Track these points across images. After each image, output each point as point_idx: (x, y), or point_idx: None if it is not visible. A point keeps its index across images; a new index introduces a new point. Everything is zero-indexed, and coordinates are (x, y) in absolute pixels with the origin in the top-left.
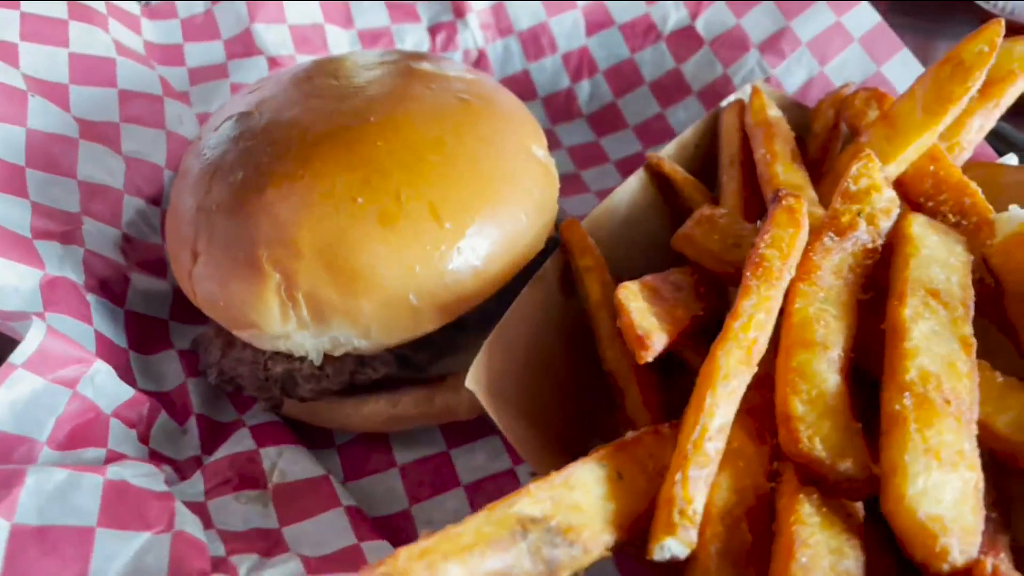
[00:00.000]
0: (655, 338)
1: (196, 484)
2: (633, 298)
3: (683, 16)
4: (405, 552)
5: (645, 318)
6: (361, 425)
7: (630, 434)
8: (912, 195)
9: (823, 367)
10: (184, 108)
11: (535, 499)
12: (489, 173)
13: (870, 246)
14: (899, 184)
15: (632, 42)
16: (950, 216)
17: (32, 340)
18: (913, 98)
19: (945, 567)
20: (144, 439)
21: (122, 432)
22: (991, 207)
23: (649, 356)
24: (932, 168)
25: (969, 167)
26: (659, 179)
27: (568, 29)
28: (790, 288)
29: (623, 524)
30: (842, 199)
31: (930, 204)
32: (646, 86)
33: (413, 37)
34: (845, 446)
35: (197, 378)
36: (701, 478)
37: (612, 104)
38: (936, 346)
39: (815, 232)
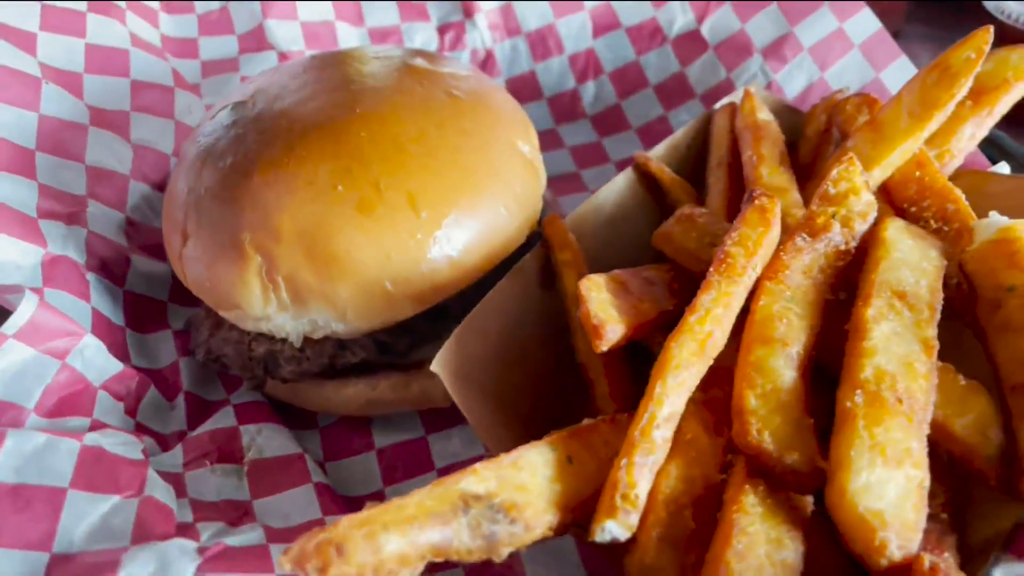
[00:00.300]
0: (610, 328)
1: (176, 456)
2: (595, 289)
3: (690, 20)
4: (347, 520)
5: (603, 309)
6: (341, 407)
7: (587, 421)
8: (897, 200)
9: (780, 363)
10: (194, 99)
11: (481, 477)
12: (470, 166)
13: (842, 248)
14: (884, 189)
15: (638, 45)
16: (932, 222)
17: (24, 312)
18: (899, 104)
19: (883, 561)
20: (131, 412)
21: (109, 404)
22: (974, 214)
23: (603, 345)
24: (918, 174)
25: (959, 174)
26: (648, 179)
27: (575, 31)
28: (757, 286)
29: (569, 506)
30: (820, 201)
31: (913, 209)
32: (650, 88)
33: (422, 36)
34: (794, 440)
35: (189, 357)
36: (646, 464)
37: (616, 106)
38: (896, 346)
39: (790, 232)
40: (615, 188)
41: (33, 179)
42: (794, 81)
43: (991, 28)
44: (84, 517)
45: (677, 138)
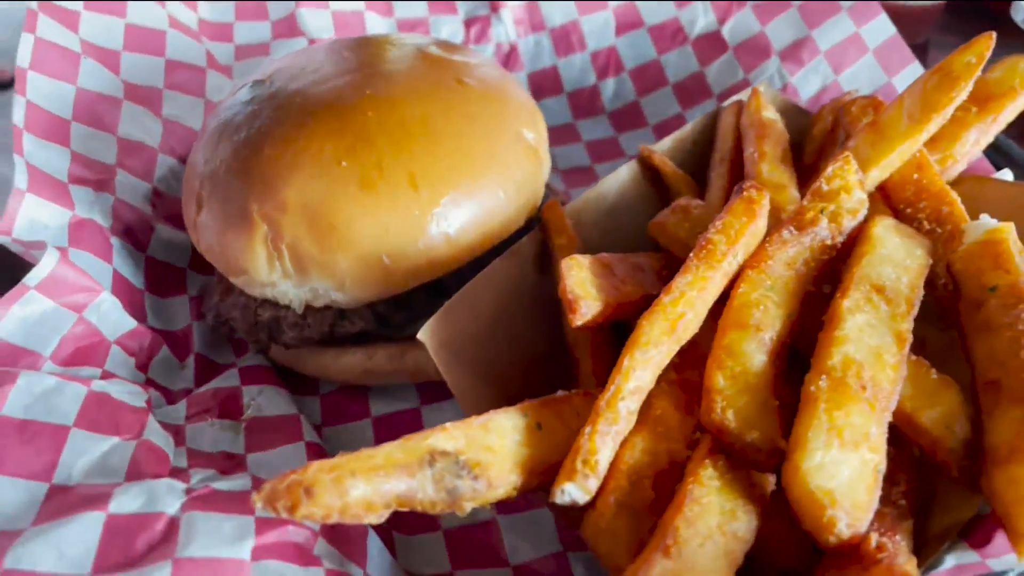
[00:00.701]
0: (583, 304)
1: (179, 410)
2: (576, 267)
3: (711, 21)
4: (316, 465)
5: (581, 286)
6: (339, 375)
7: (561, 392)
8: (894, 201)
9: (752, 347)
10: (224, 80)
11: (450, 435)
12: (471, 150)
13: (828, 242)
14: (883, 190)
15: (660, 44)
16: (926, 223)
17: (45, 266)
18: (900, 106)
19: (832, 539)
20: (143, 368)
21: (121, 358)
22: (967, 217)
23: (577, 320)
24: (916, 176)
25: (962, 179)
26: (651, 172)
27: (599, 28)
28: (740, 274)
29: (535, 470)
30: (812, 197)
31: (909, 211)
32: (669, 87)
33: (448, 28)
34: (756, 419)
35: (202, 321)
36: (610, 434)
37: (635, 103)
38: (868, 337)
39: (779, 225)
40: (618, 179)
41: (67, 147)
42: (809, 84)
43: (993, 34)
44: (83, 454)
45: (684, 133)
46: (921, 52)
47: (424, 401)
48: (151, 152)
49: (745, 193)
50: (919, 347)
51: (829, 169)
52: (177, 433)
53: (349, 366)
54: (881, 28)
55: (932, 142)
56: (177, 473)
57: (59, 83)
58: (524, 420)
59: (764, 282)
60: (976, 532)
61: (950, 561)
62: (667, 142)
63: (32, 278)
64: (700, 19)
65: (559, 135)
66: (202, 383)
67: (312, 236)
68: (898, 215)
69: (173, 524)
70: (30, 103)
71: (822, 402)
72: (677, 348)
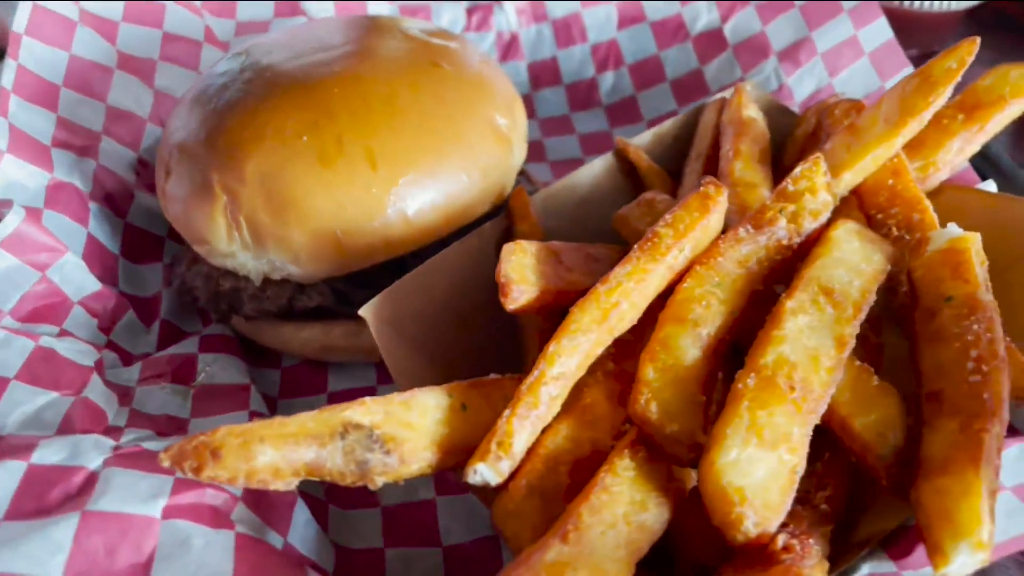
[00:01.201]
0: (516, 288)
1: (133, 372)
2: (519, 252)
3: (714, 18)
4: (225, 429)
5: (517, 270)
6: (298, 349)
7: (493, 376)
8: (867, 206)
9: (687, 342)
10: (220, 55)
11: (368, 409)
12: (436, 130)
13: (785, 242)
14: (857, 194)
15: (661, 39)
16: (895, 230)
17: (9, 224)
18: (878, 110)
19: (739, 536)
20: (106, 330)
21: (83, 318)
22: (939, 225)
23: (509, 304)
24: (891, 182)
25: (943, 188)
26: (627, 165)
27: (600, 21)
28: (689, 269)
29: (452, 450)
30: (776, 196)
31: (880, 216)
32: (667, 83)
33: (450, 14)
34: (680, 413)
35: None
36: (528, 418)
37: (632, 98)
38: (807, 339)
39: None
40: (593, 170)
41: (54, 111)
42: (804, 85)
43: (977, 40)
44: (20, 405)
45: (665, 128)
46: None
47: (381, 380)
48: (140, 122)
49: (703, 188)
50: (875, 353)
51: (797, 170)
52: (125, 394)
53: (307, 341)
54: (878, 32)
55: (915, 148)
56: (111, 431)
57: (53, 49)
58: (448, 400)
59: (712, 278)
60: (898, 542)
61: (865, 569)
62: (647, 136)
63: None
64: (703, 16)
65: (554, 126)
66: (164, 348)
67: (268, 209)
68: (870, 220)
69: (92, 478)
70: (21, 67)
71: (746, 399)
72: (610, 338)
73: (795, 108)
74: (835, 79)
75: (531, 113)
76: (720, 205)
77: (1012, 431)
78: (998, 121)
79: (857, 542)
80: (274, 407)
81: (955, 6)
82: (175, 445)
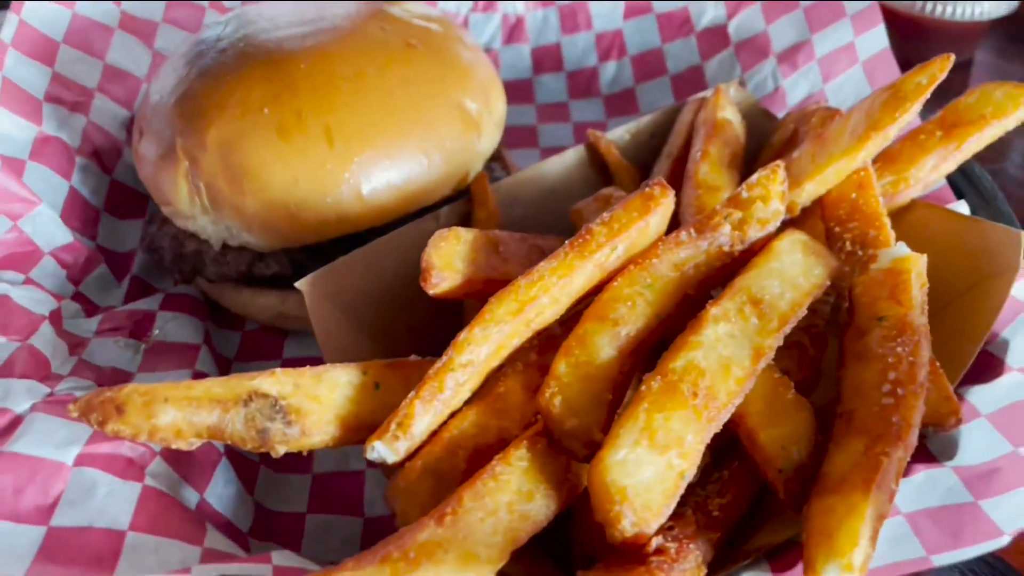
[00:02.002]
0: (436, 275)
1: (92, 323)
2: (452, 239)
3: (720, 15)
4: (132, 386)
5: (442, 256)
6: (257, 314)
7: (413, 357)
8: (826, 218)
9: (604, 340)
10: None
11: (277, 380)
12: (398, 111)
13: (726, 249)
14: (820, 204)
15: (665, 32)
16: (848, 245)
17: None
18: (847, 121)
19: (616, 534)
20: (75, 281)
21: (52, 268)
22: (892, 243)
23: (429, 289)
24: (854, 195)
25: (913, 204)
26: (599, 158)
27: (607, 10)
28: (623, 269)
29: (359, 427)
30: (728, 202)
31: (837, 229)
32: (667, 77)
33: None
34: (583, 410)
35: None
36: (432, 402)
37: (631, 89)
38: (723, 348)
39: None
40: (563, 161)
41: (50, 66)
42: (798, 89)
43: (951, 57)
44: None
45: (641, 125)
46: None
47: None
48: (136, 81)
49: (647, 189)
50: (811, 368)
51: (755, 176)
52: (79, 344)
53: (264, 307)
54: (875, 39)
55: (888, 162)
56: (51, 379)
57: (57, 6)
58: (361, 378)
59: (644, 279)
60: (783, 556)
61: None
62: (622, 130)
63: None
64: (709, 11)
65: (550, 113)
66: (129, 303)
67: (226, 177)
68: (828, 232)
69: (16, 421)
70: (22, 21)
71: (646, 402)
72: (527, 330)
73: (787, 112)
74: (828, 85)
75: (529, 98)
76: (663, 207)
77: (928, 457)
78: (977, 140)
79: (749, 550)
80: (228, 368)
81: (984, 14)
82: (84, 397)
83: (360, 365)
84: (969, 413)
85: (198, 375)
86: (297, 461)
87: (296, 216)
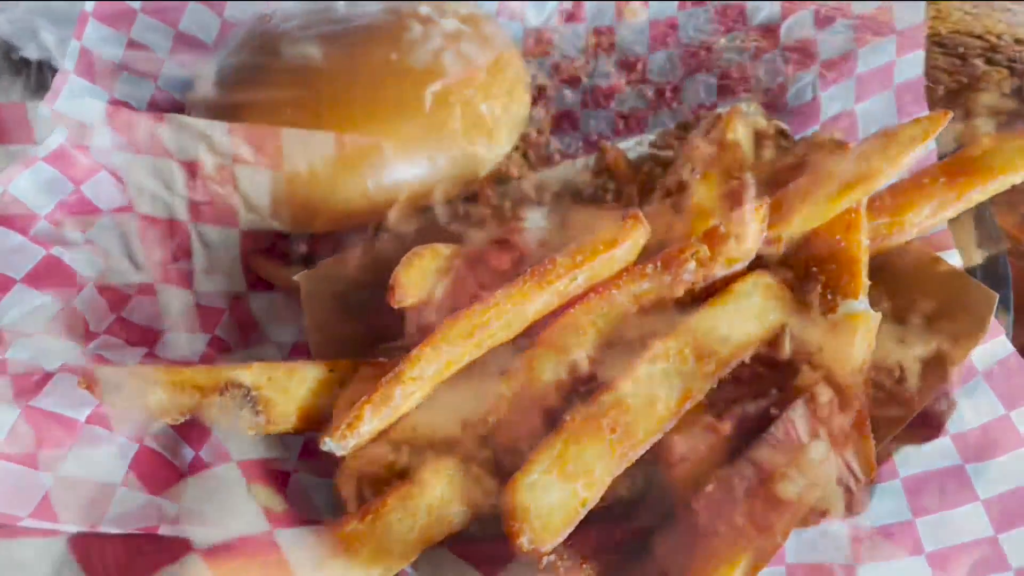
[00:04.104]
0: (400, 292)
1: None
2: (425, 257)
3: (775, 13)
4: (129, 368)
5: (410, 275)
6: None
7: (381, 359)
8: (808, 255)
9: (548, 367)
10: None
11: (254, 372)
12: (411, 112)
13: (688, 284)
14: (806, 244)
15: (721, 24)
16: (819, 288)
17: (53, 141)
18: (840, 164)
19: (515, 547)
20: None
21: (110, 225)
22: (860, 294)
23: (393, 303)
24: (838, 237)
25: (909, 248)
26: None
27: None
28: (584, 297)
29: (319, 419)
30: (704, 236)
31: (815, 269)
32: (713, 73)
33: None
34: (514, 430)
35: None
36: (380, 409)
37: (676, 83)
38: (654, 386)
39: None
40: (574, 169)
41: (126, 33)
42: (832, 105)
43: (949, 113)
44: (17, 304)
45: (653, 139)
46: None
47: None
48: (204, 48)
49: (623, 221)
50: None
51: (738, 212)
52: (121, 300)
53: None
54: (914, 64)
55: (887, 201)
56: (85, 337)
57: None
58: (329, 376)
59: (601, 309)
60: None
61: None
62: (634, 143)
63: (42, 149)
64: (765, 9)
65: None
66: None
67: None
68: (805, 270)
69: (46, 378)
70: None
71: (566, 432)
72: (479, 350)
73: (819, 126)
74: (858, 106)
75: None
76: (633, 240)
77: None
78: (980, 191)
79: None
80: (252, 331)
81: None
82: (88, 371)
83: (329, 363)
84: (888, 472)
85: (215, 340)
86: None
87: (305, 205)
